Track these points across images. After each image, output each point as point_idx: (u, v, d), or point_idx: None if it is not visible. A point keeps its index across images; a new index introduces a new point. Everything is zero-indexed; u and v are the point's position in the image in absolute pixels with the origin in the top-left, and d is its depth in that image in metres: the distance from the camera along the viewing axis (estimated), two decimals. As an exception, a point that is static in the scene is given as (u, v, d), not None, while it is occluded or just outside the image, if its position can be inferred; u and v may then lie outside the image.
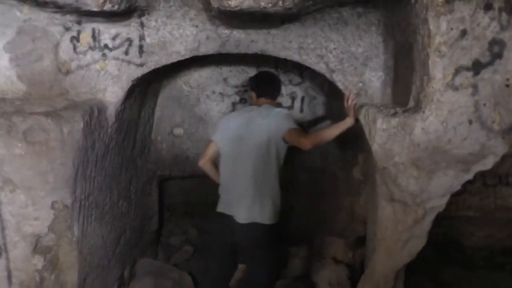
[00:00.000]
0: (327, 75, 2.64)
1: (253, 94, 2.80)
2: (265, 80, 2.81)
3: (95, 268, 2.63)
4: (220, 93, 3.55)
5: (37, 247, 2.28)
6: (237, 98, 3.58)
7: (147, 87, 3.00)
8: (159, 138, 3.54)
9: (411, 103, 2.24)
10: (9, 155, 2.15)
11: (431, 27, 2.01)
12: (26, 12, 2.41)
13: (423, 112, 2.13)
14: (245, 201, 2.56)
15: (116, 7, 2.16)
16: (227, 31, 2.52)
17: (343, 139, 2.88)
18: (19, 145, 2.14)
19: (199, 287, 3.22)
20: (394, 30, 2.49)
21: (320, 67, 2.61)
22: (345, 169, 3.61)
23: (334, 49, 2.60)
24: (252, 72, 3.37)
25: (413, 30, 2.17)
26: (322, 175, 3.71)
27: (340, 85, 2.64)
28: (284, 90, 3.55)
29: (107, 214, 2.82)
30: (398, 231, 2.42)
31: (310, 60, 2.60)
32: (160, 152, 3.57)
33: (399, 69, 2.52)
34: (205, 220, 3.60)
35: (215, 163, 2.76)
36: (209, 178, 2.81)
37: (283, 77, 3.50)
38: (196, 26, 2.49)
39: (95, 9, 2.12)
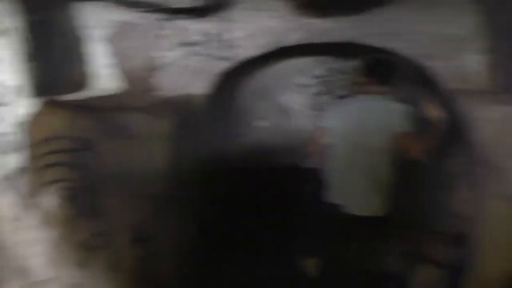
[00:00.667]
0: (420, 61, 2.48)
1: (365, 80, 2.50)
2: (381, 65, 2.48)
3: (187, 258, 2.74)
4: (302, 84, 3.51)
5: (137, 237, 2.43)
6: (319, 89, 3.51)
7: (230, 80, 3.06)
8: (242, 131, 3.60)
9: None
10: (110, 148, 2.31)
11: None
12: (121, 13, 2.56)
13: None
14: (362, 192, 2.46)
15: (202, 2, 2.21)
16: (312, 21, 2.47)
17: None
18: (120, 139, 2.29)
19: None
20: (494, 8, 2.27)
21: (412, 53, 2.46)
22: (437, 161, 3.40)
23: (427, 32, 2.43)
24: (334, 62, 3.30)
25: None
26: (413, 167, 3.51)
27: (433, 71, 2.47)
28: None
29: (192, 207, 2.92)
30: (509, 231, 2.20)
31: (401, 46, 2.46)
32: (242, 144, 3.63)
33: (501, 52, 2.29)
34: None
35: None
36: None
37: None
38: (280, 17, 2.48)
39: (183, 6, 2.19)
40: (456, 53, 2.43)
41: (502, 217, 2.19)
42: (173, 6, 2.23)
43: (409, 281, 2.97)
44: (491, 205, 2.21)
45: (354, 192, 2.48)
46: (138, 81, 2.61)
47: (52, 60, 2.37)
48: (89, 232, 2.44)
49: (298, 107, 3.52)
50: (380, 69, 2.47)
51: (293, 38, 2.52)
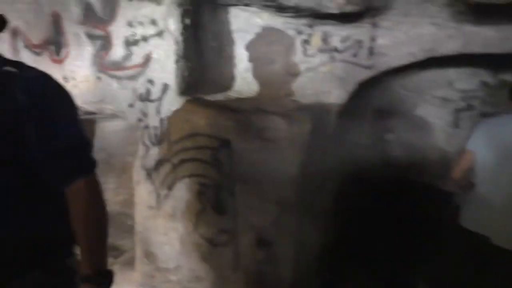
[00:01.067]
0: None
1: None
2: None
3: (307, 266, 2.68)
4: (443, 98, 3.20)
5: (261, 239, 2.43)
6: (462, 104, 3.17)
7: (370, 89, 2.91)
8: (369, 143, 3.42)
9: None
10: (245, 149, 2.34)
11: None
12: (265, 18, 2.58)
13: None
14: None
15: (355, 8, 2.12)
16: (474, 29, 2.21)
17: None
18: (255, 141, 2.30)
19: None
20: None
21: None
22: None
23: None
24: (485, 75, 2.94)
25: None
26: None
27: None
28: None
29: (318, 215, 2.85)
30: None
31: None
32: (368, 157, 3.45)
33: None
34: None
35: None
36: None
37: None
38: (436, 24, 2.27)
39: (335, 11, 2.12)
40: None
41: None
42: (323, 11, 2.16)
43: None
44: None
45: (502, 223, 2.18)
46: (277, 86, 2.61)
47: (201, 61, 2.49)
48: (215, 229, 2.52)
49: (436, 122, 3.22)
50: None
51: (448, 47, 2.28)
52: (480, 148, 2.31)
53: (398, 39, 2.36)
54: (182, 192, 2.54)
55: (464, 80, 3.12)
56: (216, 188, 2.44)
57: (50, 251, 1.26)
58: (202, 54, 2.50)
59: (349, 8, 2.10)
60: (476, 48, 2.25)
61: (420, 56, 2.35)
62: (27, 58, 2.68)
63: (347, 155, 3.20)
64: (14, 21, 2.62)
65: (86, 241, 1.24)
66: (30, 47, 2.72)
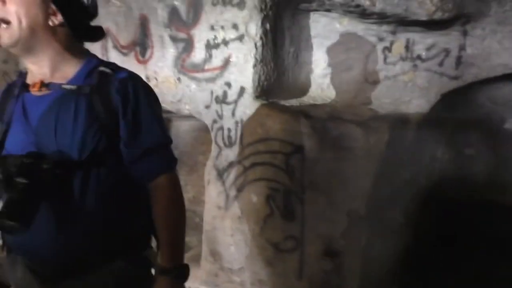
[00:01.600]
0: None
1: None
2: None
3: (374, 280, 2.59)
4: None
5: (328, 249, 2.38)
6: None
7: (452, 100, 2.76)
8: (447, 157, 3.23)
9: None
10: (318, 157, 2.30)
11: None
12: (345, 24, 2.53)
13: None
14: None
15: (446, 15, 2.01)
16: None
17: None
18: (329, 149, 2.26)
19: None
20: None
21: None
22: None
23: None
24: None
25: None
26: None
27: None
28: None
29: (387, 228, 2.74)
30: None
31: None
32: (445, 172, 3.25)
33: None
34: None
35: None
36: None
37: None
38: (535, 33, 2.09)
39: (423, 18, 2.03)
40: None
41: None
42: (411, 18, 2.08)
43: None
44: None
45: None
46: (355, 93, 2.55)
47: (278, 66, 2.49)
48: (282, 234, 2.50)
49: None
50: None
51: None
52: None
53: (491, 49, 2.21)
54: (251, 195, 2.56)
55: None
56: (286, 193, 2.43)
57: (130, 243, 1.32)
58: (279, 59, 2.51)
59: (439, 15, 2.00)
60: None
61: (512, 67, 2.18)
62: (115, 57, 2.86)
63: (423, 169, 3.05)
64: (106, 23, 2.81)
65: (166, 235, 1.29)
66: (118, 47, 2.89)
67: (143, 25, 2.73)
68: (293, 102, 2.58)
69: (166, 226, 1.29)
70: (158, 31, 2.69)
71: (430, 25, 2.21)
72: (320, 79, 2.69)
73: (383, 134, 2.23)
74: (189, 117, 3.11)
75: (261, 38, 2.41)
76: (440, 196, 3.34)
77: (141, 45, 2.80)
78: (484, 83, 2.77)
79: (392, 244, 2.85)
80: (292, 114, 2.37)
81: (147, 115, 1.28)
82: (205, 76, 2.60)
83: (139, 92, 1.27)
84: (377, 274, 2.66)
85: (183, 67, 2.66)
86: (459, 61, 2.28)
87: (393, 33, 2.42)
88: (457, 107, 2.99)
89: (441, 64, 2.33)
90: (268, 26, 2.39)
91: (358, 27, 2.50)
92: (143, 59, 2.80)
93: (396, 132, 2.34)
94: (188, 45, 2.61)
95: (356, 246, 2.37)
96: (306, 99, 2.62)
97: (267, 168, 2.46)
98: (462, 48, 2.27)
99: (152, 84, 2.76)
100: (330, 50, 2.64)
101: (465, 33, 2.25)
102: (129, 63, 2.81)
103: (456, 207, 3.62)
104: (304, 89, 2.65)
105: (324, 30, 2.62)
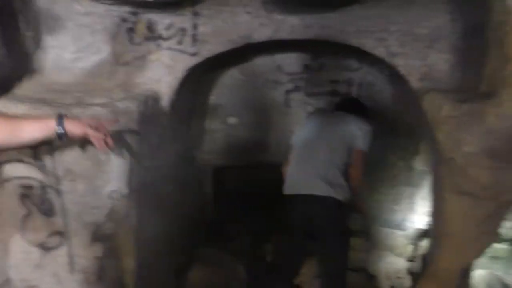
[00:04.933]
0: (387, 60, 2.48)
1: None
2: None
3: (152, 256, 2.68)
4: (274, 81, 3.47)
5: (97, 235, 2.35)
6: (291, 86, 3.48)
7: (201, 76, 3.00)
8: (213, 127, 3.54)
9: (484, 88, 2.04)
10: (72, 144, 2.21)
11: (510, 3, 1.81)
12: (85, 5, 2.45)
13: (498, 97, 1.93)
14: None
15: (171, -4, 2.14)
16: (280, 17, 2.43)
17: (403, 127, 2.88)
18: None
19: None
20: (464, 7, 2.28)
21: (380, 51, 2.47)
22: (404, 158, 3.43)
23: (396, 31, 2.43)
24: (306, 59, 3.29)
25: (488, 7, 1.96)
26: (381, 165, 3.54)
27: (401, 70, 2.47)
28: (340, 76, 3.42)
29: (163, 204, 2.86)
30: (466, 227, 2.24)
31: (369, 44, 2.46)
32: (215, 142, 3.57)
33: (468, 51, 2.31)
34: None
35: None
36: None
37: (340, 63, 3.39)
38: (249, 12, 2.43)
39: (156, -1, 2.12)
40: (424, 52, 2.43)
41: (455, 213, 2.24)
42: (144, -1, 2.15)
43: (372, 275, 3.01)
44: (449, 201, 2.24)
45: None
46: (103, 77, 2.53)
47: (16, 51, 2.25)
48: (46, 232, 2.33)
49: (271, 103, 3.49)
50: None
51: (261, 34, 2.47)
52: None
53: (219, 27, 2.47)
54: (2, 198, 2.29)
55: (289, 64, 3.43)
56: (41, 188, 2.26)
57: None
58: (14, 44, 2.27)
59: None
60: (284, 34, 2.48)
61: (239, 42, 2.49)
62: None
63: (192, 142, 3.28)
64: None
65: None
66: None
67: None
68: (39, 90, 2.39)
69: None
70: None
71: (165, 5, 2.34)
72: (70, 63, 2.56)
73: (133, 113, 2.28)
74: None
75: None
76: (214, 163, 3.65)
77: None
78: (234, 57, 3.11)
79: (172, 216, 3.00)
80: (32, 104, 2.19)
81: None
82: None
83: None
84: (157, 248, 2.77)
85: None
86: (194, 39, 2.49)
87: (135, 14, 2.47)
88: (212, 82, 3.29)
89: (180, 42, 2.50)
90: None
91: (100, 8, 2.44)
92: None
93: (148, 110, 2.43)
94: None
95: (126, 227, 2.40)
96: (54, 86, 2.46)
97: (15, 166, 2.24)
98: (195, 27, 2.48)
99: None
100: (74, 34, 2.52)
101: (196, 13, 2.46)
102: None
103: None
104: (49, 76, 2.48)
105: (66, 11, 2.49)
